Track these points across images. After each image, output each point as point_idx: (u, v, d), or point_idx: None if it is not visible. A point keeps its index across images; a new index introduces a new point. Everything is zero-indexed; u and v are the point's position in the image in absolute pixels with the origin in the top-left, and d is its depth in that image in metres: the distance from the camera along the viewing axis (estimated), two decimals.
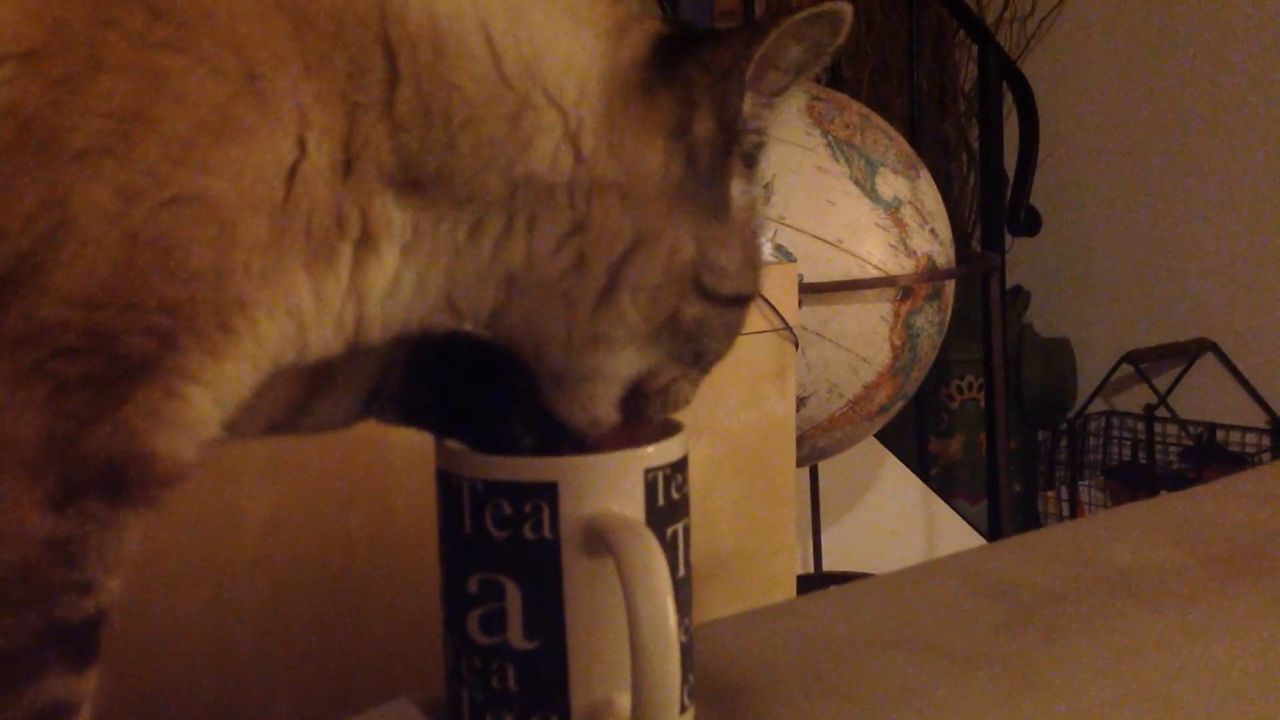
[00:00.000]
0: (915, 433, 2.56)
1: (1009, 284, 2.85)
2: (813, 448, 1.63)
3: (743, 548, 1.16)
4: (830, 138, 1.56)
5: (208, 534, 0.86)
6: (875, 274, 1.54)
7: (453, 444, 0.58)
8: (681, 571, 0.58)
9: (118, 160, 0.43)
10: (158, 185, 0.44)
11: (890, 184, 1.57)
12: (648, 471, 0.56)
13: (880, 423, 1.69)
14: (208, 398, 0.46)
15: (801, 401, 1.54)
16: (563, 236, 0.51)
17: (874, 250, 1.54)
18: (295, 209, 0.46)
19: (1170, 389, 3.08)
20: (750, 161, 0.55)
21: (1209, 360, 3.05)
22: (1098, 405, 3.25)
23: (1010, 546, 0.93)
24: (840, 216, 1.53)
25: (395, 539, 0.93)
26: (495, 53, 0.49)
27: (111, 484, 0.45)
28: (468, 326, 0.55)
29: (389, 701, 0.64)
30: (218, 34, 0.45)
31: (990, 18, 3.20)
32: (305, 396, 0.57)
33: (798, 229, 1.51)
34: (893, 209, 1.56)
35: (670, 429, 0.58)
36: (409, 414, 0.60)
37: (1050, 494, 3.23)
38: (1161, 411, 3.07)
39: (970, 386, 3.03)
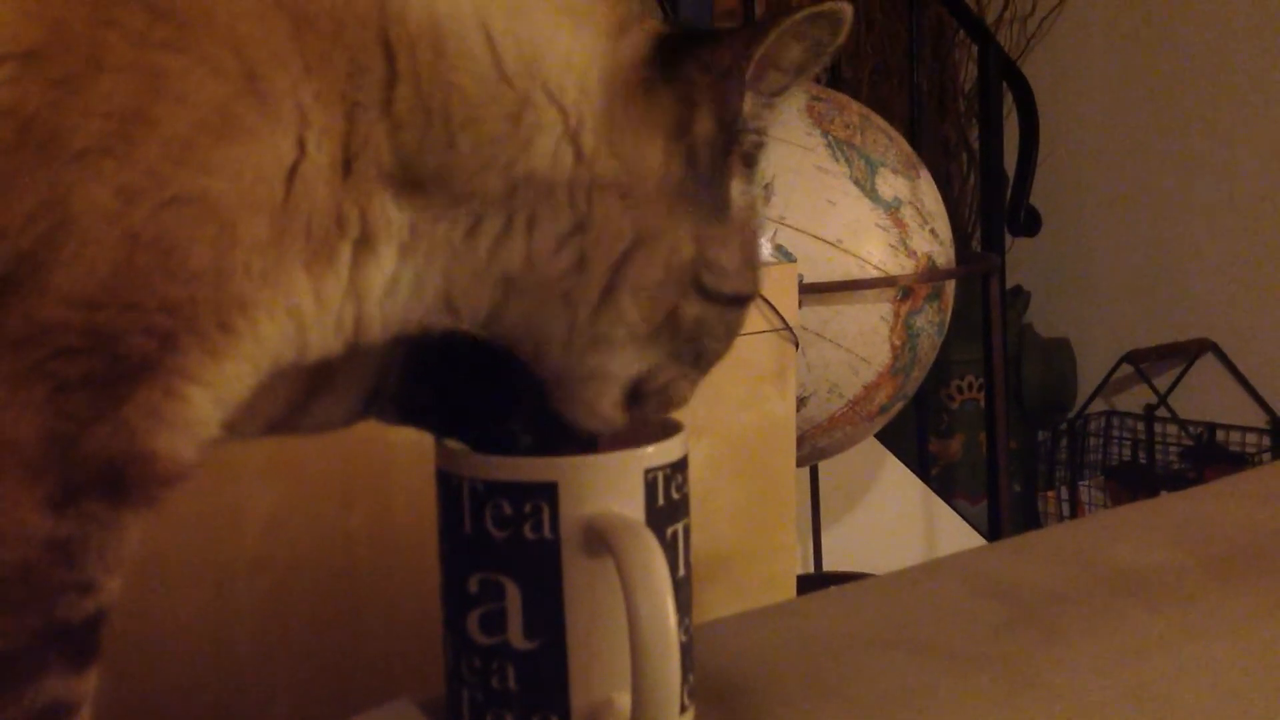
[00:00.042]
0: (915, 433, 2.56)
1: (1009, 284, 2.85)
2: (813, 448, 1.63)
3: (743, 548, 1.16)
4: (830, 138, 1.56)
5: (208, 534, 0.86)
6: (875, 274, 1.54)
7: (453, 444, 0.58)
8: (681, 571, 0.58)
9: (118, 160, 0.43)
10: (158, 185, 0.44)
11: (890, 184, 1.57)
12: (648, 471, 0.56)
13: (880, 423, 1.69)
14: (208, 398, 0.46)
15: (802, 402, 1.54)
16: (563, 236, 0.51)
17: (874, 250, 1.54)
18: (295, 209, 0.46)
19: (1170, 389, 3.08)
20: (750, 162, 0.55)
21: (1209, 360, 3.05)
22: (1098, 405, 3.25)
23: (1010, 547, 0.93)
24: (840, 216, 1.53)
25: (395, 539, 0.93)
26: (495, 51, 0.49)
27: (111, 484, 0.45)
28: (466, 327, 0.55)
29: (389, 702, 0.64)
30: (218, 34, 0.45)
31: (990, 18, 3.20)
32: (305, 396, 0.57)
33: (798, 229, 1.51)
34: (893, 209, 1.56)
35: (670, 429, 0.58)
36: (408, 414, 0.60)
37: (1050, 494, 3.23)
38: (1162, 411, 3.07)
39: (970, 386, 3.03)
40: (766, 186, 1.51)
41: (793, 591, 1.22)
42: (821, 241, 1.52)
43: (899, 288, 1.56)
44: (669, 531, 0.57)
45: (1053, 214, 2.53)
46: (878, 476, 2.23)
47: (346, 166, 0.48)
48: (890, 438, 2.18)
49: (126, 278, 0.44)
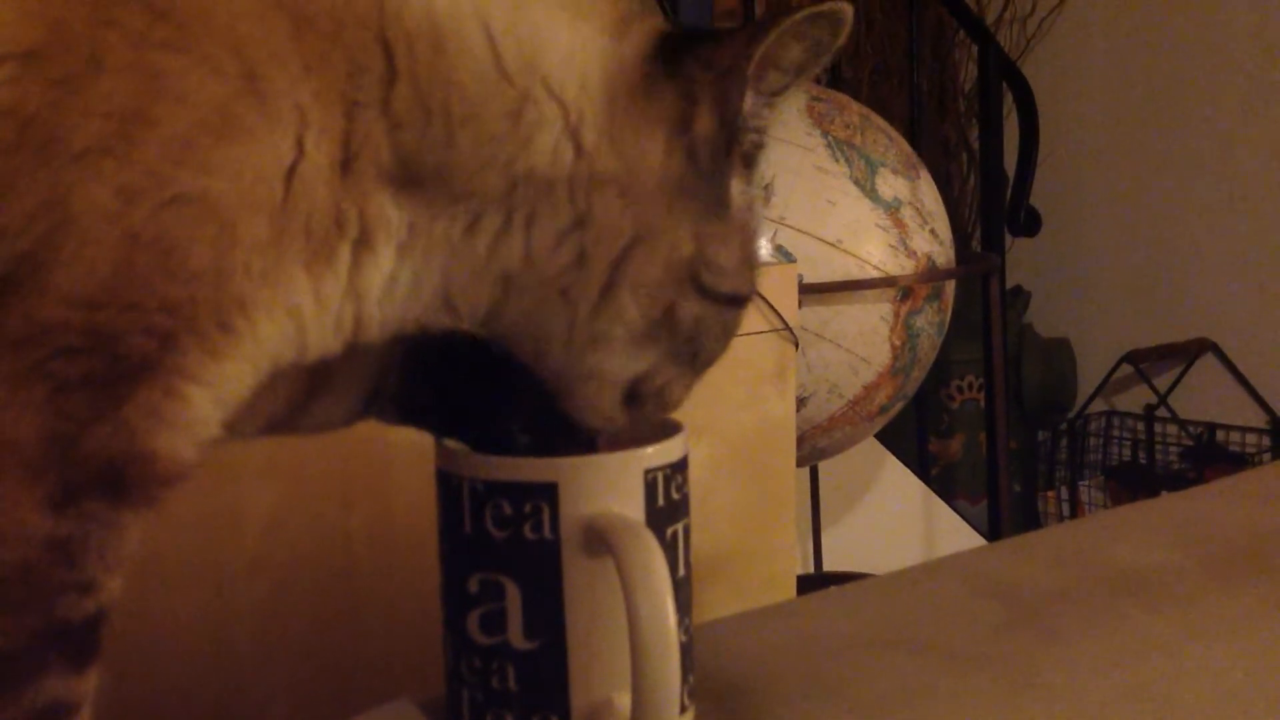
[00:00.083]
0: (915, 433, 2.56)
1: (1009, 284, 2.85)
2: (813, 448, 1.63)
3: (743, 548, 1.16)
4: (830, 138, 1.56)
5: (208, 534, 0.86)
6: (875, 274, 1.54)
7: (452, 444, 0.58)
8: (681, 572, 0.58)
9: (118, 160, 0.43)
10: (158, 185, 0.44)
11: (890, 184, 1.57)
12: (648, 472, 0.56)
13: (880, 423, 1.69)
14: (208, 398, 0.46)
15: (801, 402, 1.54)
16: (563, 232, 0.51)
17: (874, 250, 1.54)
18: (294, 209, 0.46)
19: (1170, 389, 3.08)
20: (749, 162, 0.55)
21: (1209, 360, 3.05)
22: (1098, 405, 3.25)
23: (1010, 547, 0.93)
24: (840, 217, 1.53)
25: (395, 539, 0.93)
26: (495, 49, 0.49)
27: (111, 484, 0.45)
28: (465, 326, 0.55)
29: (389, 702, 0.64)
30: (217, 34, 0.45)
31: (990, 18, 3.20)
32: (305, 396, 0.57)
33: (798, 229, 1.51)
34: (893, 209, 1.56)
35: (670, 429, 0.58)
36: (408, 413, 0.60)
37: (1050, 494, 3.23)
38: (1162, 411, 3.07)
39: (970, 386, 3.03)
40: (766, 187, 1.51)
41: (793, 592, 1.22)
42: (821, 242, 1.52)
43: (899, 288, 1.56)
44: (669, 532, 0.57)
45: (1053, 214, 2.53)
46: (878, 477, 2.23)
47: (346, 166, 0.48)
48: (890, 438, 2.18)
49: (126, 278, 0.44)
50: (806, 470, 1.89)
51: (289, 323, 0.48)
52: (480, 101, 0.49)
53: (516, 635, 0.55)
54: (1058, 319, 3.37)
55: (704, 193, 0.53)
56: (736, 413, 1.13)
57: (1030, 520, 3.16)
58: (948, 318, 1.70)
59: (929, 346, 1.65)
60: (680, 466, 0.58)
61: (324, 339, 0.50)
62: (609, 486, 0.55)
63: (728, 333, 0.56)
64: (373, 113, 0.48)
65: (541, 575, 0.55)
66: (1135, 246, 3.23)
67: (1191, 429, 3.02)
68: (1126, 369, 3.16)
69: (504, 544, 0.55)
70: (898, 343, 1.58)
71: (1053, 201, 2.82)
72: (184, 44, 0.45)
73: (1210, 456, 2.96)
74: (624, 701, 0.54)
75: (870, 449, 2.14)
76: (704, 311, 0.54)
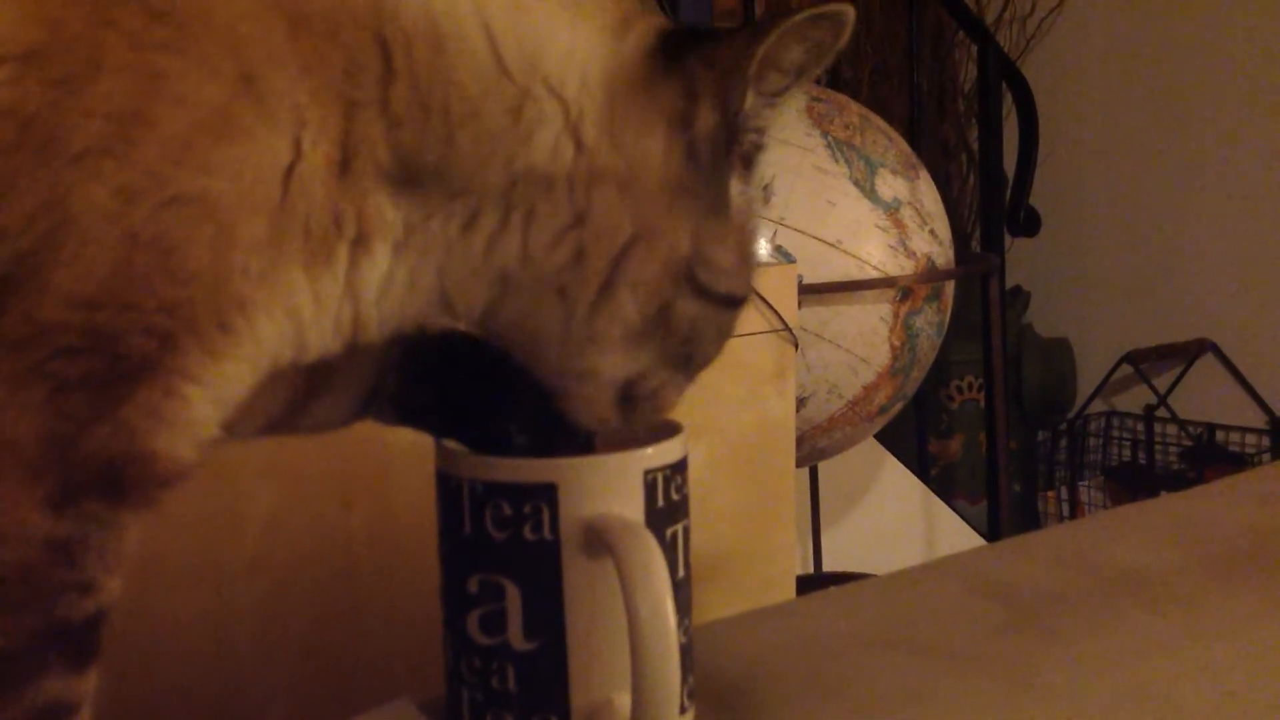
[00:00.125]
0: (915, 433, 2.56)
1: (1009, 284, 2.85)
2: (812, 448, 1.63)
3: (742, 548, 1.16)
4: (830, 138, 1.56)
5: (207, 534, 0.86)
6: (875, 275, 1.54)
7: (452, 444, 0.58)
8: (681, 572, 0.58)
9: (117, 161, 0.43)
10: (157, 186, 0.44)
11: (890, 185, 1.57)
12: (647, 473, 0.56)
13: (880, 423, 1.69)
14: (207, 398, 0.46)
15: (801, 402, 1.54)
16: (561, 230, 0.51)
17: (873, 251, 1.54)
18: (293, 210, 0.47)
19: (1170, 389, 3.08)
20: (748, 163, 0.55)
21: (1209, 360, 3.05)
22: (1097, 405, 3.25)
23: (1010, 547, 0.93)
24: (840, 217, 1.53)
25: (395, 539, 0.93)
26: (495, 46, 0.49)
27: (111, 484, 0.45)
28: (463, 325, 0.55)
29: (389, 702, 0.64)
30: (216, 35, 0.45)
31: (990, 18, 3.20)
32: (303, 397, 0.57)
33: (797, 230, 1.51)
34: (892, 210, 1.56)
35: (670, 430, 0.58)
36: (406, 414, 0.60)
37: (1050, 494, 3.23)
38: (1161, 412, 3.07)
39: (970, 387, 3.03)
40: (766, 187, 1.51)
41: (792, 592, 1.22)
42: (821, 242, 1.52)
43: (898, 288, 1.56)
44: (668, 532, 0.57)
45: (1052, 214, 2.53)
46: (877, 477, 2.23)
47: (344, 166, 0.48)
48: (890, 438, 2.18)
49: (126, 278, 0.44)
50: (806, 470, 1.89)
51: (288, 323, 0.48)
52: (480, 99, 0.49)
53: (516, 636, 0.55)
54: (1057, 319, 3.37)
55: (704, 191, 0.53)
56: (736, 413, 1.13)
57: (1030, 520, 3.16)
58: (947, 318, 1.70)
59: (928, 347, 1.66)
60: (680, 467, 0.58)
61: (323, 339, 0.50)
62: (609, 487, 0.55)
63: (723, 335, 0.56)
64: (371, 112, 0.48)
65: (541, 576, 0.55)
66: (1135, 247, 3.23)
67: (1191, 429, 3.03)
68: (1126, 369, 3.16)
69: (504, 544, 0.55)
70: (897, 343, 1.58)
71: (1052, 202, 2.82)
72: (182, 45, 0.45)
73: (1210, 457, 2.96)
74: (624, 702, 0.54)
75: (870, 449, 2.14)
76: (700, 312, 0.54)
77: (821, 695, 0.64)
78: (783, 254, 1.51)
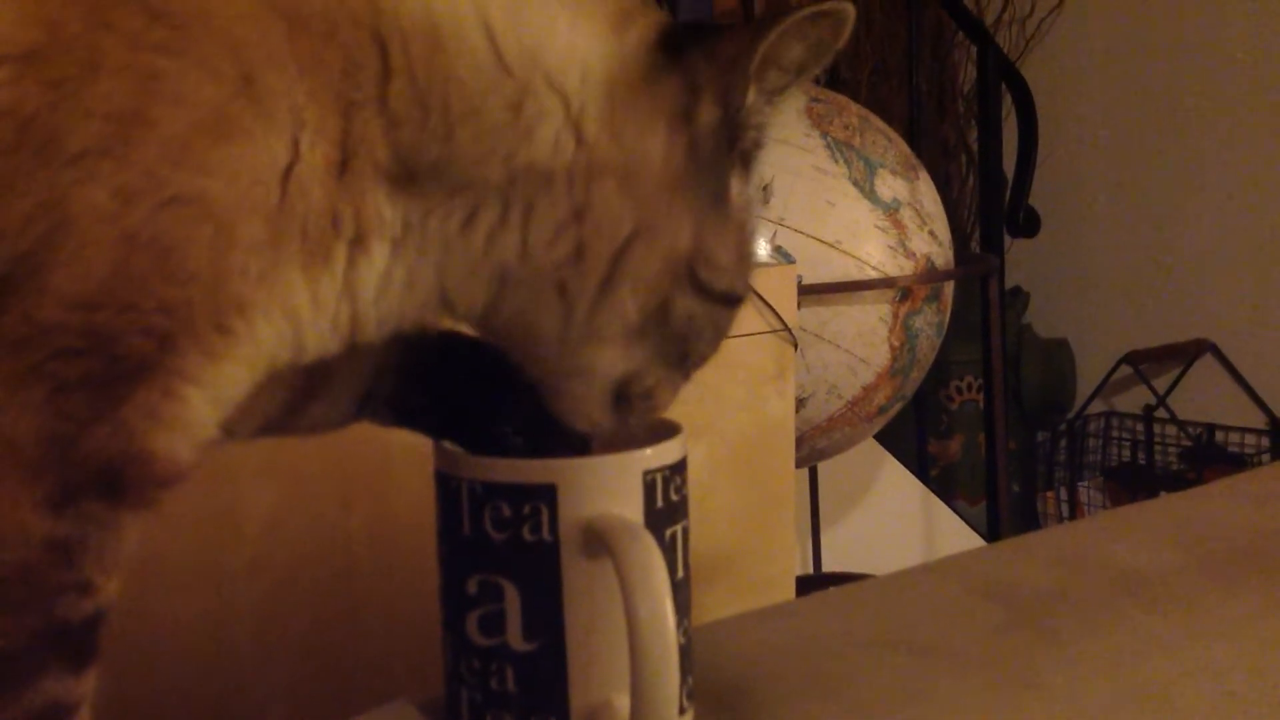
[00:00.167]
0: (914, 434, 2.56)
1: (1008, 285, 2.85)
2: (812, 449, 1.63)
3: (742, 549, 1.16)
4: (829, 139, 1.56)
5: (207, 535, 0.86)
6: (874, 275, 1.54)
7: (451, 446, 0.58)
8: (680, 573, 0.58)
9: (116, 161, 0.43)
10: (155, 186, 0.44)
11: (889, 185, 1.57)
12: (646, 473, 0.56)
13: (879, 424, 1.69)
14: (205, 398, 0.46)
15: (800, 403, 1.54)
16: (560, 225, 0.51)
17: (873, 251, 1.54)
18: (291, 210, 0.47)
19: (1169, 390, 3.08)
20: (747, 161, 0.55)
21: (1208, 361, 3.05)
22: (1097, 406, 3.25)
23: (1009, 547, 0.93)
24: (839, 218, 1.53)
25: (395, 539, 0.93)
26: (494, 42, 0.49)
27: (110, 485, 0.45)
28: (463, 323, 0.55)
29: (388, 702, 0.64)
30: (214, 36, 0.45)
31: (989, 19, 3.20)
32: (300, 398, 0.57)
33: (797, 230, 1.51)
34: (892, 210, 1.56)
35: (669, 431, 0.58)
36: (402, 415, 0.60)
37: (1050, 495, 3.23)
38: (1161, 412, 3.07)
39: (969, 387, 3.03)
40: (765, 188, 1.51)
41: (792, 592, 1.22)
42: (820, 242, 1.52)
43: (898, 289, 1.56)
44: (668, 533, 0.57)
45: (1052, 215, 2.53)
46: (877, 477, 2.23)
47: (342, 166, 0.48)
48: (889, 439, 2.18)
49: (124, 279, 0.44)
50: (806, 471, 1.90)
51: (286, 324, 0.48)
52: (480, 95, 0.49)
53: (515, 637, 0.55)
54: (1057, 320, 3.37)
55: (705, 186, 0.53)
56: (736, 413, 1.13)
57: (1029, 521, 3.16)
58: (946, 319, 1.70)
59: (928, 347, 1.66)
60: (679, 468, 0.58)
61: (321, 339, 0.50)
62: (608, 488, 0.55)
63: (719, 333, 0.56)
64: (369, 111, 0.48)
65: (540, 577, 0.55)
66: (1134, 247, 3.23)
67: (1191, 430, 3.03)
68: (1126, 370, 3.16)
69: (503, 545, 0.55)
70: (896, 344, 1.58)
71: (1052, 202, 2.82)
72: (181, 46, 0.45)
73: (1209, 457, 2.96)
74: (623, 703, 0.54)
75: (869, 450, 2.14)
76: (698, 309, 0.54)
77: (821, 695, 0.64)
78: (782, 254, 1.51)
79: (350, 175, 0.48)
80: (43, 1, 0.44)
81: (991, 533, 2.02)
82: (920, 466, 2.44)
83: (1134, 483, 3.03)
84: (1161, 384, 3.09)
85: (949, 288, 1.69)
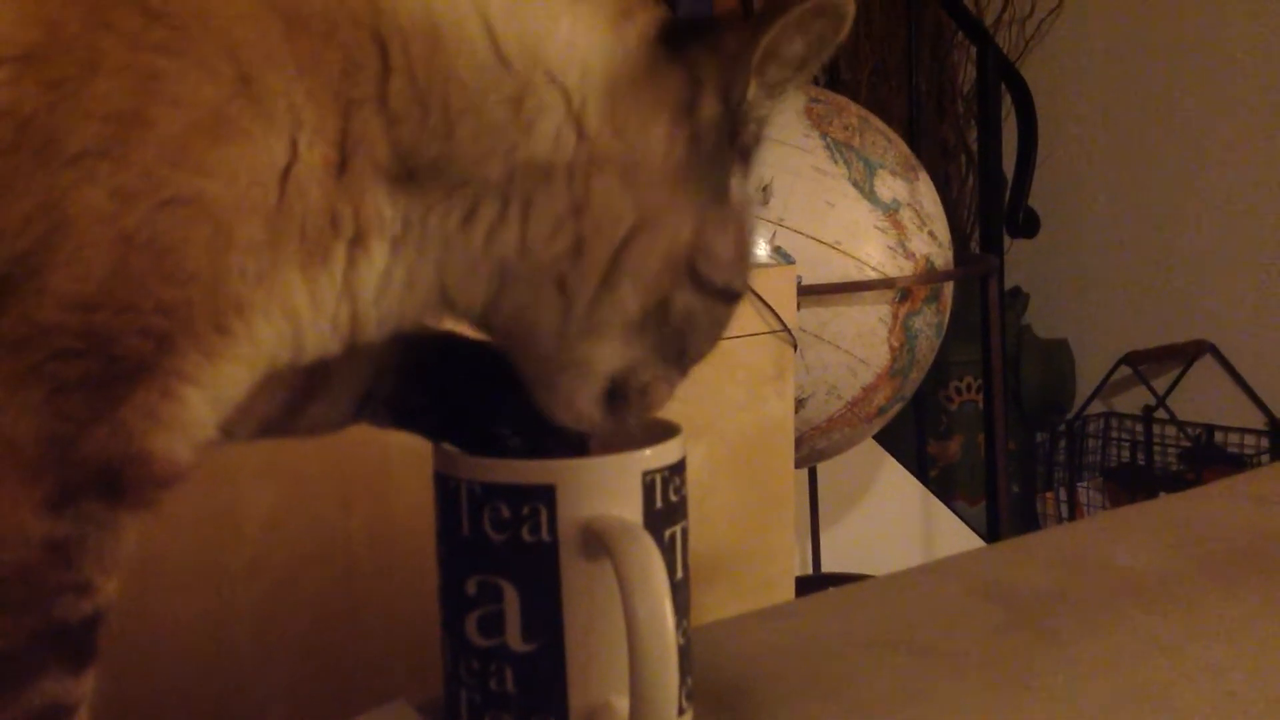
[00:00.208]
0: (914, 434, 2.56)
1: (1008, 285, 2.85)
2: (811, 449, 1.63)
3: (741, 549, 1.16)
4: (829, 139, 1.56)
5: (207, 535, 0.86)
6: (874, 276, 1.54)
7: (450, 447, 0.58)
8: (679, 574, 0.58)
9: (114, 162, 0.43)
10: (154, 187, 0.44)
11: (889, 186, 1.57)
12: (646, 474, 0.56)
13: (879, 424, 1.69)
14: (204, 399, 0.46)
15: (800, 403, 1.54)
16: (560, 219, 0.51)
17: (872, 252, 1.54)
18: (289, 211, 0.46)
19: (1169, 390, 3.08)
20: (746, 156, 0.55)
21: (1208, 362, 3.06)
22: (1096, 407, 3.25)
23: (1009, 548, 0.93)
24: (839, 218, 1.53)
25: (394, 540, 0.93)
26: (494, 39, 0.49)
27: (109, 485, 0.45)
28: (464, 320, 0.55)
29: (387, 703, 0.64)
30: (213, 37, 0.45)
31: (989, 19, 3.20)
32: (299, 399, 0.57)
33: (796, 231, 1.51)
34: (891, 211, 1.56)
35: (668, 431, 0.58)
36: (401, 416, 0.60)
37: (1049, 495, 3.23)
38: (1160, 413, 3.07)
39: (969, 388, 3.03)
40: (765, 188, 1.51)
41: (791, 593, 1.22)
42: (820, 243, 1.52)
43: (897, 289, 1.56)
44: (667, 534, 0.57)
45: (1051, 215, 2.54)
46: (876, 478, 2.23)
47: (341, 166, 0.48)
48: (889, 439, 2.18)
49: (123, 280, 0.44)
50: (805, 471, 1.90)
51: (285, 324, 0.48)
52: (480, 92, 0.49)
53: (514, 637, 0.55)
54: (1056, 320, 3.37)
55: (706, 180, 0.53)
56: (735, 414, 1.13)
57: (1029, 522, 3.16)
58: (946, 319, 1.70)
59: (927, 348, 1.66)
60: (678, 468, 0.58)
61: (321, 339, 0.50)
62: (607, 489, 0.55)
63: (717, 329, 0.56)
64: (369, 110, 0.48)
65: (539, 577, 0.55)
66: (1134, 248, 3.23)
67: (1190, 430, 3.03)
68: (1125, 370, 3.16)
69: (502, 546, 0.55)
70: (896, 344, 1.58)
71: (1051, 203, 2.82)
72: (179, 47, 0.45)
73: (1209, 458, 2.96)
74: (622, 704, 0.54)
75: (869, 450, 2.14)
76: (697, 304, 0.54)
77: (821, 696, 0.64)
78: (782, 255, 1.51)
79: (350, 175, 0.48)
80: (42, 2, 0.44)
81: (991, 533, 2.02)
82: (920, 467, 2.44)
83: (1133, 483, 3.03)
84: (1161, 385, 3.09)
85: (948, 288, 1.69)
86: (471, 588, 0.56)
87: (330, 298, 0.49)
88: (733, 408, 1.12)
